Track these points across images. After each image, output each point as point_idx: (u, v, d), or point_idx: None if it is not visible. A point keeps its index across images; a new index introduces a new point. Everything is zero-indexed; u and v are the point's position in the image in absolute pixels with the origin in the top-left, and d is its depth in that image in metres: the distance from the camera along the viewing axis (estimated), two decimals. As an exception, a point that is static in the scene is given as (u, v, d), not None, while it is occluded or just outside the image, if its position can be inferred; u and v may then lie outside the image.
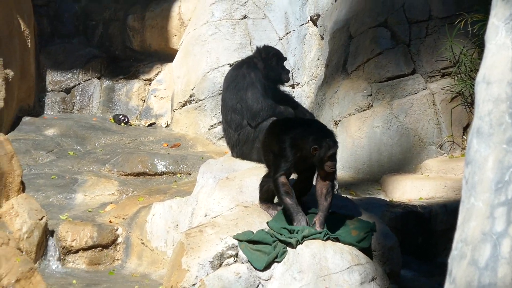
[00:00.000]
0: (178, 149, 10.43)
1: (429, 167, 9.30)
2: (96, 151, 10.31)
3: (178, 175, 9.52)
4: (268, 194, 6.78)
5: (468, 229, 2.99)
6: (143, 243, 7.90)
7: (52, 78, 11.94)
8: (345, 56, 10.07)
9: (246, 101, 7.59)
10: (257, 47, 8.04)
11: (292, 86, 11.12)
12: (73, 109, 11.93)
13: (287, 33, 11.29)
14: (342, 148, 8.47)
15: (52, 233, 7.81)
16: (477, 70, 8.18)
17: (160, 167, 9.58)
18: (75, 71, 12.04)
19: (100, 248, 7.94)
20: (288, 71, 8.02)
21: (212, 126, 10.98)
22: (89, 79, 12.09)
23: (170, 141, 10.70)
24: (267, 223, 6.58)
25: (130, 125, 11.57)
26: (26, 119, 11.02)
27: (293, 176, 6.71)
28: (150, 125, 11.67)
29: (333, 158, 6.38)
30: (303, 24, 11.35)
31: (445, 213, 8.13)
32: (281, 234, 6.39)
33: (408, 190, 8.85)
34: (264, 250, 6.32)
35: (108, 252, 7.97)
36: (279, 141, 6.45)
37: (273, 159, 6.51)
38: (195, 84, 11.06)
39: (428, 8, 9.91)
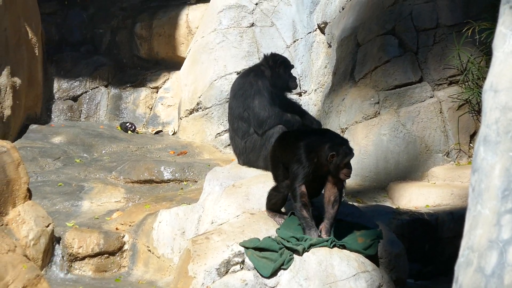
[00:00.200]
0: (184, 156, 10.44)
1: (435, 174, 9.28)
2: (102, 159, 10.32)
3: (185, 183, 9.52)
4: (276, 207, 6.81)
5: (474, 237, 2.98)
6: (149, 250, 7.89)
7: (60, 86, 11.97)
8: (353, 64, 10.06)
9: (253, 109, 7.59)
10: (264, 55, 8.04)
11: (299, 94, 11.12)
12: (80, 117, 11.96)
13: (295, 41, 11.29)
14: (349, 156, 8.45)
15: (58, 240, 7.82)
16: (484, 78, 8.18)
17: (167, 175, 9.59)
18: (82, 79, 12.07)
19: (107, 255, 7.94)
20: (295, 79, 8.02)
21: (219, 133, 10.99)
22: (97, 87, 12.12)
23: (176, 149, 10.71)
24: (276, 230, 6.58)
25: (137, 132, 11.59)
26: (33, 126, 11.04)
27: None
28: (157, 132, 11.68)
29: (349, 165, 6.42)
30: (310, 32, 11.34)
31: (451, 220, 8.12)
32: (288, 241, 6.39)
33: (414, 197, 8.84)
34: (271, 257, 6.32)
35: (114, 259, 7.97)
36: (294, 148, 6.45)
37: (290, 167, 6.48)
38: (202, 92, 11.06)
39: (436, 16, 9.89)
